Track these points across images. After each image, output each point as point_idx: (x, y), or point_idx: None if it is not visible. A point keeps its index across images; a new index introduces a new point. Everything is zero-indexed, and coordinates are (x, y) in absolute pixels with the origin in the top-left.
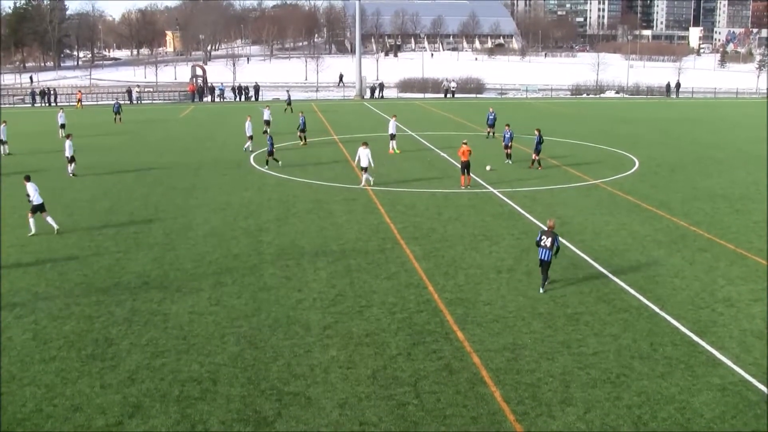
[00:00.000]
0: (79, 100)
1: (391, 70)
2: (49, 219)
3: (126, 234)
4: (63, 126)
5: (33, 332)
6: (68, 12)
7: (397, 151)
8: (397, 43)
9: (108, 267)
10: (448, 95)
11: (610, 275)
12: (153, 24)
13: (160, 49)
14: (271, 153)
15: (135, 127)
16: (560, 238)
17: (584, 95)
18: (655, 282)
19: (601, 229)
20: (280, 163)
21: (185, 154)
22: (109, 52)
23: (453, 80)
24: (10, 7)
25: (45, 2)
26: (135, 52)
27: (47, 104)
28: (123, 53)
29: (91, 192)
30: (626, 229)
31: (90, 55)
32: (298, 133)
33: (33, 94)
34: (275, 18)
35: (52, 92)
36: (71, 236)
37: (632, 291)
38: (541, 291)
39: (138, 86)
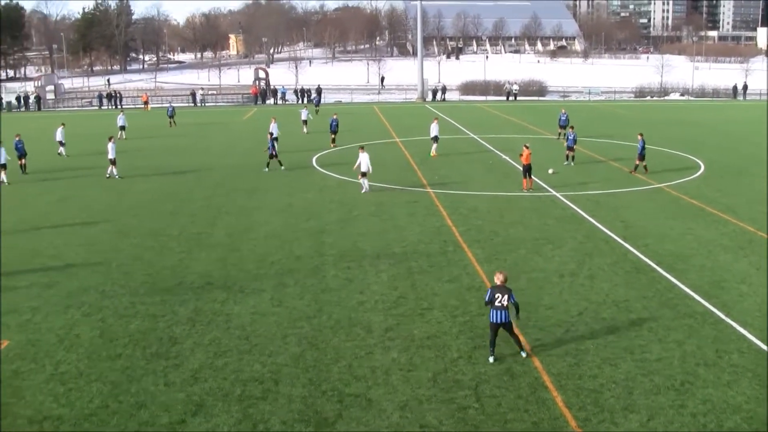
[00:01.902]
0: (146, 103)
1: (452, 72)
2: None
3: (189, 235)
4: (123, 128)
5: (100, 330)
6: (134, 16)
7: (433, 155)
8: (459, 45)
9: (172, 267)
10: (510, 98)
11: (674, 280)
12: (216, 27)
13: (224, 52)
14: (273, 156)
15: (198, 130)
16: (515, 295)
17: (648, 98)
18: (721, 288)
19: (665, 233)
20: (283, 167)
21: (247, 155)
22: (173, 55)
23: (515, 83)
24: (78, 12)
25: (112, 7)
26: (199, 55)
27: (114, 107)
28: (187, 56)
29: (155, 194)
30: (691, 233)
31: (155, 59)
32: (331, 135)
33: (100, 97)
34: (337, 21)
35: (118, 95)
36: (136, 237)
37: (697, 297)
38: (491, 360)
39: (202, 89)
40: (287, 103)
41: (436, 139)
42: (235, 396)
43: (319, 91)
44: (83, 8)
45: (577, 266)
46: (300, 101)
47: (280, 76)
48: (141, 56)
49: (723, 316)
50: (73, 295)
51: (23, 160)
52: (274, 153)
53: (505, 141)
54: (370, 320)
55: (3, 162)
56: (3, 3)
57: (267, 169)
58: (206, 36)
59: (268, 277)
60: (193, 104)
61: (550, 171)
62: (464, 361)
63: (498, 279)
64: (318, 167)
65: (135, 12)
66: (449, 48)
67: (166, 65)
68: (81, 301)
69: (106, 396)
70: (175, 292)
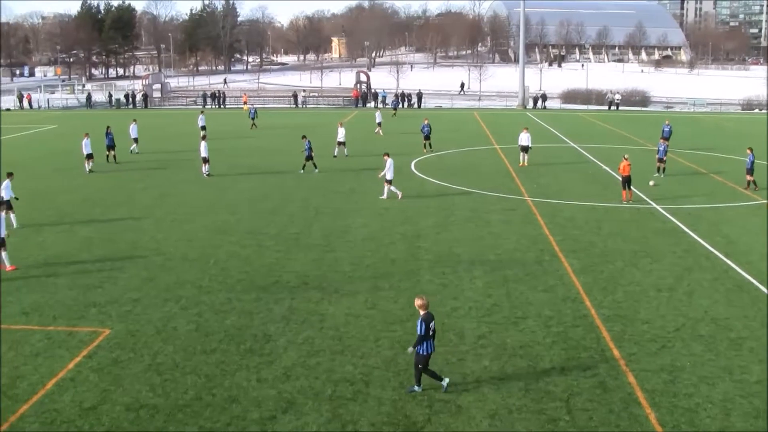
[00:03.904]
0: (245, 103)
1: (554, 80)
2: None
3: (287, 234)
4: (203, 128)
5: (196, 324)
6: (240, 18)
7: (525, 164)
8: (561, 53)
9: (269, 265)
10: (612, 107)
11: None
12: (320, 30)
13: (326, 55)
14: (309, 158)
15: (298, 131)
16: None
17: (756, 110)
18: None
19: None
20: (316, 170)
21: (345, 158)
22: (276, 57)
23: (617, 92)
24: (186, 14)
25: (219, 9)
26: (301, 57)
27: (217, 106)
28: (290, 59)
29: (254, 193)
30: None
31: (258, 60)
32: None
33: (204, 97)
34: (439, 26)
35: (221, 95)
36: (234, 234)
37: None
38: (417, 388)
39: (304, 91)
40: (387, 107)
41: (526, 149)
42: (325, 395)
43: (419, 95)
44: (191, 9)
45: (675, 281)
46: (400, 105)
47: (381, 79)
48: (245, 57)
49: None
50: (172, 289)
51: (112, 152)
52: (310, 155)
53: (605, 151)
54: (463, 327)
55: (89, 152)
56: (116, 4)
57: (302, 171)
58: (309, 39)
59: (363, 279)
60: (294, 105)
61: (651, 183)
62: (557, 372)
63: (423, 305)
64: (416, 172)
65: (240, 14)
66: (551, 55)
67: (269, 67)
68: (179, 295)
69: (200, 388)
70: (270, 290)
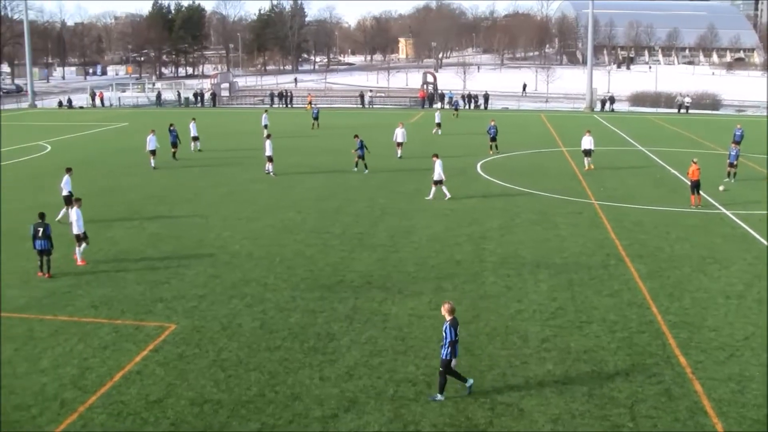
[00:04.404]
0: (310, 102)
1: (622, 82)
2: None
3: (351, 234)
4: (266, 127)
5: (261, 321)
6: (307, 18)
7: (591, 167)
8: (630, 55)
9: (333, 264)
10: (681, 110)
11: None
12: (387, 31)
13: (393, 55)
14: (361, 157)
15: (365, 131)
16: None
17: None
18: None
19: None
20: (366, 171)
21: (411, 159)
22: (343, 57)
23: (687, 95)
24: (255, 14)
25: (287, 9)
26: (368, 57)
27: (284, 105)
28: (357, 59)
29: (319, 192)
30: None
31: (326, 60)
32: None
33: (272, 96)
34: (507, 27)
35: (288, 95)
36: (300, 233)
37: None
38: (440, 397)
39: (370, 91)
40: (452, 108)
41: (589, 152)
42: (387, 395)
43: (486, 97)
44: (259, 9)
45: (745, 288)
46: (466, 107)
47: (448, 80)
48: (312, 57)
49: None
50: (237, 286)
51: (175, 149)
52: (362, 155)
53: (674, 155)
54: (527, 330)
55: (153, 148)
56: (186, 4)
57: (356, 169)
58: (376, 39)
59: (427, 280)
60: (361, 106)
61: (721, 188)
62: (621, 378)
63: (450, 310)
64: (482, 173)
65: (308, 14)
66: (620, 57)
67: (336, 67)
68: (244, 293)
69: (264, 385)
70: (335, 289)
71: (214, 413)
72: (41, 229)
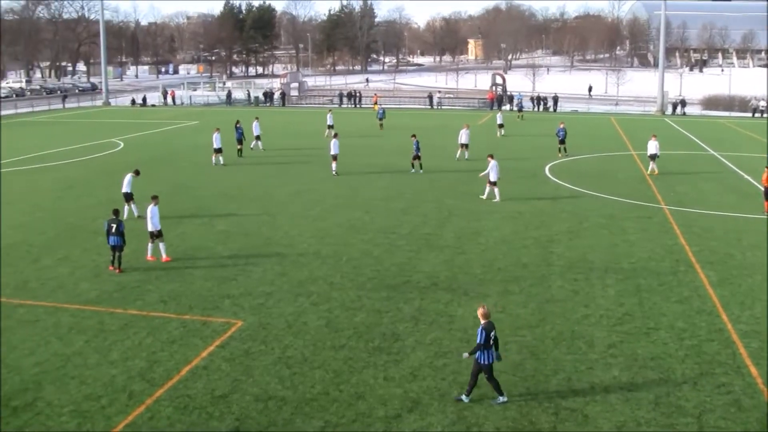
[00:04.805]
0: (375, 103)
1: (695, 85)
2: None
3: (419, 234)
4: (331, 126)
5: (326, 320)
6: (377, 19)
7: (655, 172)
8: (703, 57)
9: (399, 265)
10: (756, 115)
11: None
12: (456, 32)
13: (462, 56)
14: (417, 157)
15: (433, 132)
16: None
17: None
18: None
19: None
20: (421, 170)
21: (479, 161)
22: (412, 58)
23: (762, 99)
24: (325, 14)
25: (357, 9)
26: (437, 58)
27: (353, 105)
28: (426, 60)
29: (387, 192)
30: None
31: (395, 61)
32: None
33: (340, 96)
34: (577, 29)
35: (357, 94)
36: (367, 232)
37: None
38: (502, 398)
39: (439, 92)
40: (523, 109)
41: (654, 157)
42: (451, 397)
43: (555, 99)
44: (329, 10)
45: None
46: (535, 109)
47: (517, 82)
48: (381, 58)
49: None
50: (304, 284)
51: (240, 146)
52: (418, 155)
53: (747, 160)
54: (593, 335)
55: (218, 146)
56: (257, 5)
57: (413, 170)
58: (445, 40)
59: (493, 282)
60: (429, 106)
61: None
62: (689, 386)
63: (484, 314)
64: (550, 176)
65: (378, 14)
66: (692, 60)
67: (405, 67)
68: (310, 291)
69: (328, 384)
70: (400, 289)
71: (278, 410)
72: (114, 226)
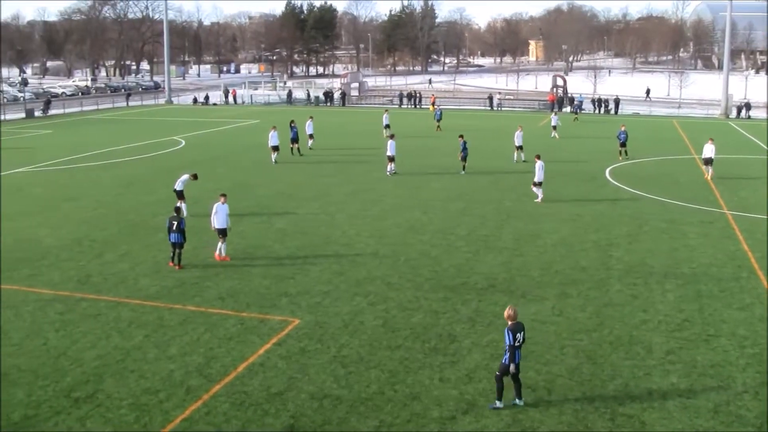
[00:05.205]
0: (433, 104)
1: (760, 88)
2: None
3: (477, 236)
4: (387, 126)
5: (383, 320)
6: (437, 20)
7: (711, 175)
8: None
9: (457, 266)
10: None
11: None
12: (517, 33)
13: (523, 57)
14: (464, 158)
15: (492, 134)
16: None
17: None
18: None
19: None
20: (463, 172)
21: (545, 163)
22: (473, 58)
23: None
24: (385, 14)
25: (417, 10)
26: (498, 59)
27: (413, 106)
28: (486, 60)
29: (446, 193)
30: None
31: (455, 61)
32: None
33: (400, 96)
34: (639, 30)
35: (417, 95)
36: (425, 233)
37: None
38: (498, 404)
39: (499, 93)
40: (583, 112)
41: (710, 161)
42: (507, 400)
43: (616, 101)
44: (390, 10)
45: None
46: (596, 111)
47: (578, 84)
48: (442, 58)
49: None
50: (361, 284)
51: (296, 145)
52: (465, 156)
53: None
54: (652, 340)
55: (275, 144)
56: (318, 5)
57: (463, 172)
58: (506, 41)
59: (551, 285)
60: (489, 108)
61: None
62: (750, 396)
63: (511, 315)
64: (610, 179)
65: (438, 15)
66: (758, 62)
67: (465, 68)
68: (367, 291)
69: (383, 383)
70: (458, 290)
71: (333, 408)
72: (175, 223)
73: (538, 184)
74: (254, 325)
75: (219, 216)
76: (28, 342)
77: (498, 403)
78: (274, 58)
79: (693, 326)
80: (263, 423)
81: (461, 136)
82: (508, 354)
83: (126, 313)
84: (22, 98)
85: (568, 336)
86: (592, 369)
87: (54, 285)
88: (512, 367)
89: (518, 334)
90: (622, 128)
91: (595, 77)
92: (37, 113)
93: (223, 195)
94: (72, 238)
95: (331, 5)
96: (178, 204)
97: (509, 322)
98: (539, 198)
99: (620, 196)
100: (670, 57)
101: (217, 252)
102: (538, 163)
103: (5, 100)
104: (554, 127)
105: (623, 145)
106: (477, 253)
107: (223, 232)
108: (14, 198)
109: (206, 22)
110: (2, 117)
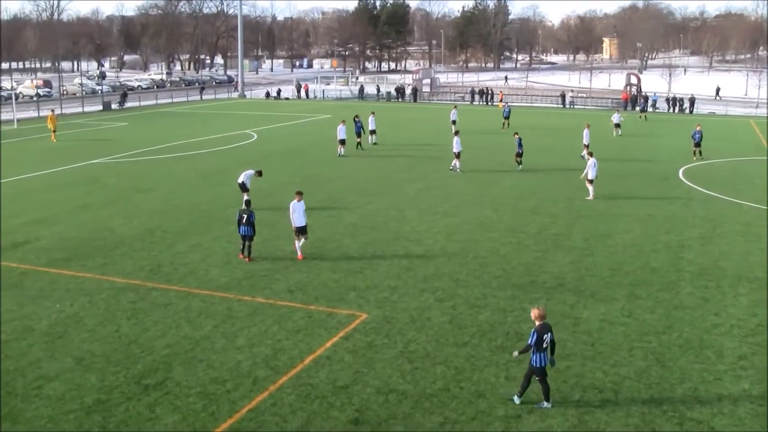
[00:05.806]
0: (501, 101)
1: None
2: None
3: (547, 235)
4: (454, 122)
5: (450, 316)
6: (510, 16)
7: None
8: None
9: (526, 264)
10: None
11: None
12: (591, 30)
13: (596, 55)
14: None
15: (564, 132)
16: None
17: None
18: None
19: None
20: (519, 167)
21: (616, 162)
22: (546, 56)
23: None
24: (458, 11)
25: (490, 7)
26: (571, 57)
27: (485, 103)
28: (559, 58)
29: (517, 190)
30: None
31: (528, 59)
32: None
33: (472, 93)
34: (717, 28)
35: (489, 92)
36: (495, 230)
37: None
38: (516, 400)
39: (572, 91)
40: (657, 111)
41: None
42: (573, 400)
43: (692, 100)
44: (463, 7)
45: None
46: (671, 110)
47: (652, 82)
48: (514, 55)
49: None
50: (429, 280)
51: (359, 138)
52: (519, 152)
53: None
54: (723, 345)
55: (343, 138)
56: (391, 1)
57: (519, 168)
58: (580, 38)
59: (621, 286)
60: (561, 105)
61: None
62: None
63: (539, 315)
64: (684, 180)
65: (512, 12)
66: None
67: (538, 65)
68: (435, 287)
69: (449, 380)
70: (526, 289)
71: (398, 403)
72: (245, 216)
73: (590, 181)
74: (322, 319)
75: (297, 214)
76: (101, 329)
77: (545, 404)
78: (347, 53)
79: (766, 331)
80: (328, 416)
81: (516, 134)
82: (535, 355)
83: (196, 303)
84: (99, 91)
85: (637, 337)
86: (660, 372)
87: (126, 274)
88: (537, 371)
89: (545, 335)
90: (698, 128)
91: (670, 76)
92: (113, 106)
93: (299, 193)
94: (145, 228)
95: (404, 1)
96: (246, 197)
97: (537, 322)
98: (590, 195)
99: (693, 196)
100: (748, 55)
101: (299, 252)
102: (591, 160)
103: (84, 92)
104: (617, 125)
105: (698, 145)
106: (546, 252)
107: (302, 230)
108: (90, 188)
109: (280, 18)
110: (82, 109)
